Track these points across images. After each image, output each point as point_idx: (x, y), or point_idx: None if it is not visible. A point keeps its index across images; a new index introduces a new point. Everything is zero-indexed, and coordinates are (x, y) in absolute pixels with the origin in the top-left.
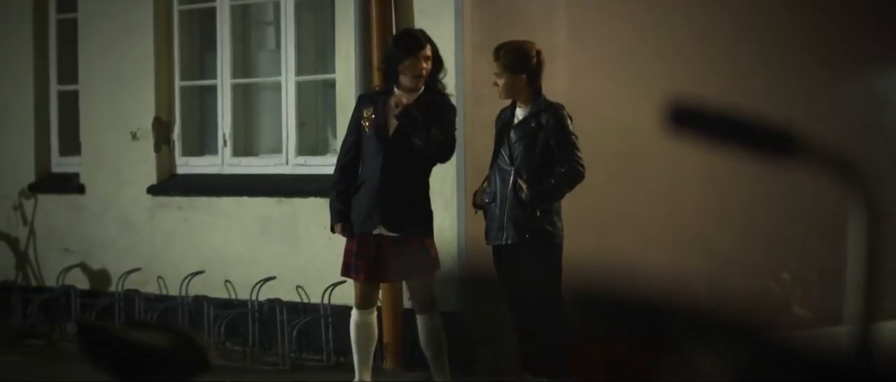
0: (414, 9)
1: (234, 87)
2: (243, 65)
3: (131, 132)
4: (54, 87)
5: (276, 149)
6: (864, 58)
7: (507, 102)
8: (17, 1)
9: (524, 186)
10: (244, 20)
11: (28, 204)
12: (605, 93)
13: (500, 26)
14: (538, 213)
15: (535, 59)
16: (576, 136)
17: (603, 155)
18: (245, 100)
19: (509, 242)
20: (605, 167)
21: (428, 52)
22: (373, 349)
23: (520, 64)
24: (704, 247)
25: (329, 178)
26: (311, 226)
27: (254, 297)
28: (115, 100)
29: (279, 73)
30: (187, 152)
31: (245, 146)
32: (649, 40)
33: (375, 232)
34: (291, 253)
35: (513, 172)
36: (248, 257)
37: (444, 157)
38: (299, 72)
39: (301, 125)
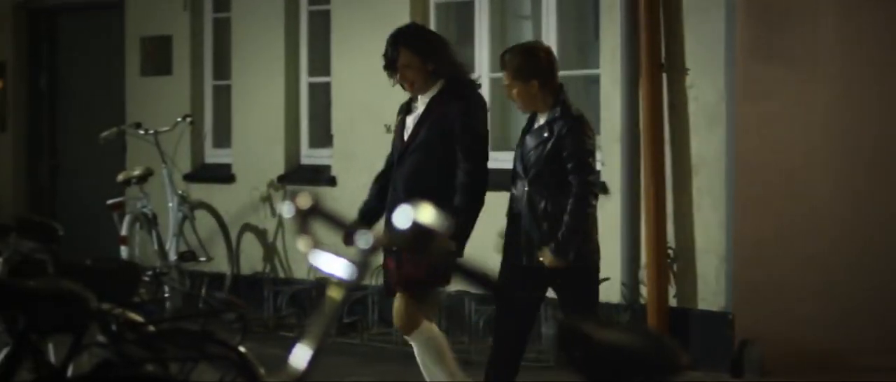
0: (683, 5)
1: (493, 81)
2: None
3: (385, 125)
4: (305, 79)
5: None
6: None
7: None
8: None
9: (549, 242)
10: (502, 14)
11: (277, 196)
12: (876, 97)
13: (768, 25)
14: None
15: (544, 61)
16: (591, 148)
17: (878, 162)
18: (502, 94)
19: (525, 264)
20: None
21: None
22: None
23: (529, 69)
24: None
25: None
26: None
27: None
28: (368, 92)
29: None
30: None
31: (502, 140)
32: None
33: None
34: None
35: (526, 183)
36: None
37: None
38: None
39: None
